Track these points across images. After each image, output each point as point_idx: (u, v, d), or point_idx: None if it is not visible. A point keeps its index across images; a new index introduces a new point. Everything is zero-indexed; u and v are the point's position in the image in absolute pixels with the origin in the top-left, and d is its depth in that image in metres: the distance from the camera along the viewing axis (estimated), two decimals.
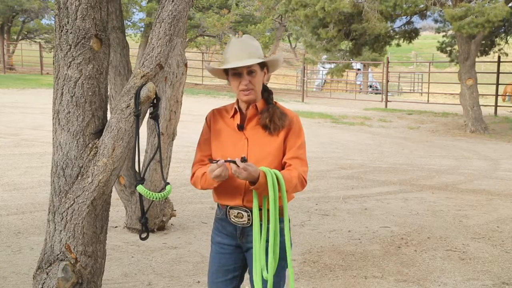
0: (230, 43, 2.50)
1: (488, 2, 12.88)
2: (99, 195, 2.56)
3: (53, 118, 2.61)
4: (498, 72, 17.36)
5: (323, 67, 30.65)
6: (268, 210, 2.36)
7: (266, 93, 2.52)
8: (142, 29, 27.84)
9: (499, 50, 17.89)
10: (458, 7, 12.89)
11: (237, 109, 2.50)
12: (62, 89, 2.56)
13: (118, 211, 5.81)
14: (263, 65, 2.49)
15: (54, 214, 2.59)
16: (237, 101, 2.52)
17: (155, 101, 2.60)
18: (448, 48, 18.01)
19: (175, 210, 5.59)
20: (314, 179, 7.84)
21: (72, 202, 2.54)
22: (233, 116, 2.51)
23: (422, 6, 14.17)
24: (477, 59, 15.12)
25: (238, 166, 2.24)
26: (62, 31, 2.54)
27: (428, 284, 4.19)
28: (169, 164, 5.36)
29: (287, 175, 2.37)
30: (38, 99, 17.73)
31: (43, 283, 2.57)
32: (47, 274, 2.57)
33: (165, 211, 5.37)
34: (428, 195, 7.21)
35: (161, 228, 5.40)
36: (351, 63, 21.53)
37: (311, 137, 11.73)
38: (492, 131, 14.23)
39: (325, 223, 5.84)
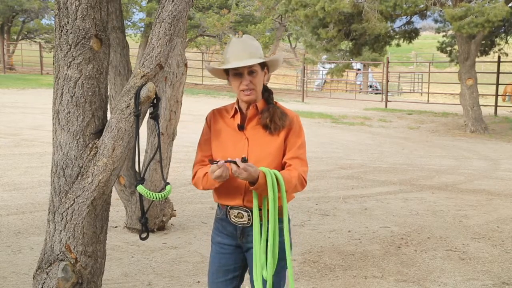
0: (230, 43, 2.50)
1: (488, 2, 12.88)
2: (99, 195, 2.56)
3: (53, 118, 2.61)
4: (498, 72, 17.36)
5: (323, 67, 30.65)
6: (268, 210, 2.37)
7: (267, 93, 2.52)
8: (142, 29, 27.84)
9: (499, 50, 17.89)
10: (458, 7, 12.89)
11: (238, 109, 2.51)
12: (62, 89, 2.56)
13: (118, 211, 5.81)
14: (263, 65, 2.49)
15: (54, 214, 2.59)
16: (237, 101, 2.53)
17: (155, 101, 2.60)
18: (448, 48, 18.01)
19: (175, 210, 5.59)
20: (314, 179, 7.84)
21: (72, 202, 2.54)
22: (233, 116, 2.51)
23: (422, 6, 14.17)
24: (477, 59, 15.12)
25: (238, 166, 2.24)
26: (62, 31, 2.54)
27: (428, 284, 4.19)
28: (169, 164, 5.36)
29: (286, 175, 2.37)
30: (38, 99, 17.73)
31: (43, 283, 2.57)
32: (47, 274, 2.57)
33: (165, 211, 5.37)
34: (428, 195, 7.20)
35: (161, 228, 5.40)
36: (351, 63, 21.53)
37: (311, 137, 11.73)
38: (492, 131, 14.23)
39: (325, 223, 5.84)
